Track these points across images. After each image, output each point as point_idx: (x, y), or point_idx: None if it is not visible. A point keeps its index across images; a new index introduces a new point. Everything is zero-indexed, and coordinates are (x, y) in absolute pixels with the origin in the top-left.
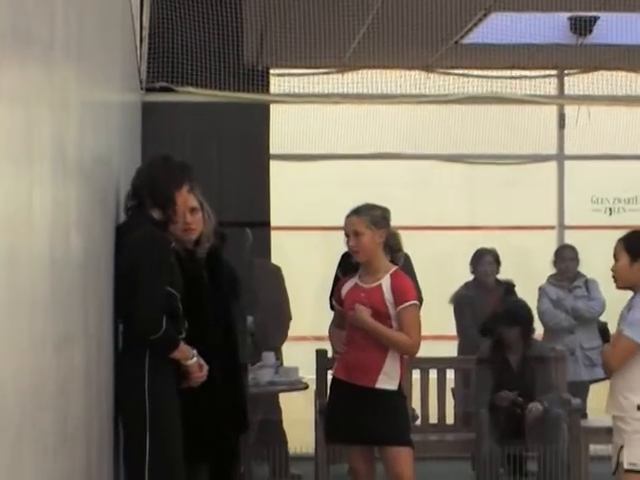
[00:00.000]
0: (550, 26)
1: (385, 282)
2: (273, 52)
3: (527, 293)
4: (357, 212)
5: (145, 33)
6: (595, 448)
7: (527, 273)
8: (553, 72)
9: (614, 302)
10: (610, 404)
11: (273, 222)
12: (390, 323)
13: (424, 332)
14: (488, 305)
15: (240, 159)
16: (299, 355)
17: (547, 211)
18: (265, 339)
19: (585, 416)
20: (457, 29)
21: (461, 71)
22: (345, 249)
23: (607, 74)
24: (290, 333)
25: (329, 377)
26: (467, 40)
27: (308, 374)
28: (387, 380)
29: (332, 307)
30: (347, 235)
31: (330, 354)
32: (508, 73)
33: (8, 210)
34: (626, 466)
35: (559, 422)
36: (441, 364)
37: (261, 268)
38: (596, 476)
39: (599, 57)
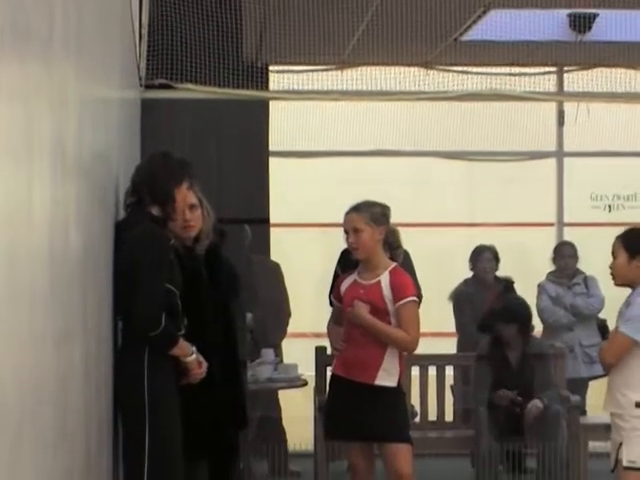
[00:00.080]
0: (549, 23)
1: (384, 279)
2: (272, 49)
3: (526, 290)
4: (357, 209)
5: (144, 30)
6: (594, 445)
7: (526, 270)
8: (552, 69)
9: (613, 299)
10: (608, 401)
11: (272, 219)
12: (389, 320)
13: (423, 329)
14: (487, 302)
15: (239, 156)
16: (298, 352)
17: (546, 208)
18: (264, 336)
19: (584, 413)
20: (456, 26)
21: (460, 68)
22: (345, 246)
23: (606, 71)
24: (289, 330)
25: (328, 374)
26: (466, 37)
27: (307, 371)
28: (386, 377)
29: (331, 304)
30: (346, 232)
31: (329, 351)
32: (507, 70)
33: (7, 207)
34: (625, 463)
35: (558, 419)
36: (440, 361)
37: (260, 265)
38: (595, 473)
39: (598, 54)
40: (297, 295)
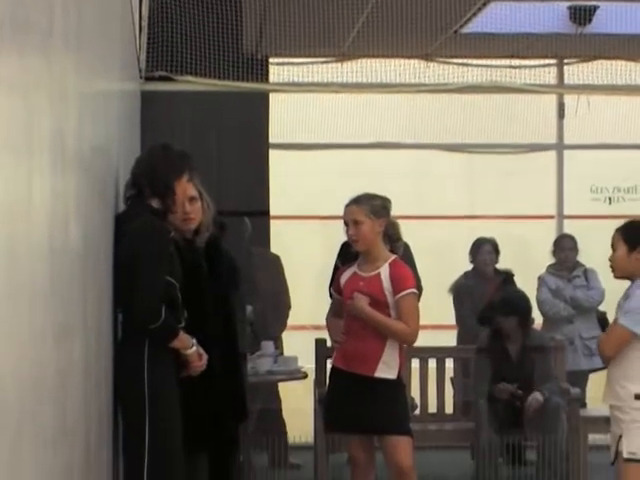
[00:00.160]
0: (550, 15)
1: (384, 271)
2: (272, 41)
3: (526, 283)
4: (357, 201)
5: (144, 22)
6: (594, 437)
7: (526, 262)
8: (552, 61)
9: (613, 292)
10: (607, 393)
11: (272, 211)
12: (388, 312)
13: (423, 321)
14: (487, 294)
15: (239, 148)
16: (298, 344)
17: (546, 200)
18: (264, 328)
19: (584, 405)
20: (456, 18)
21: (460, 60)
22: (345, 238)
23: (606, 63)
24: (289, 322)
25: (328, 366)
26: (466, 29)
27: (307, 363)
28: (386, 369)
29: (332, 296)
30: (346, 224)
31: (329, 343)
32: (507, 62)
33: (7, 201)
34: (625, 455)
35: (558, 411)
36: (440, 353)
37: (260, 257)
38: (595, 465)
39: (599, 46)
40: (297, 287)
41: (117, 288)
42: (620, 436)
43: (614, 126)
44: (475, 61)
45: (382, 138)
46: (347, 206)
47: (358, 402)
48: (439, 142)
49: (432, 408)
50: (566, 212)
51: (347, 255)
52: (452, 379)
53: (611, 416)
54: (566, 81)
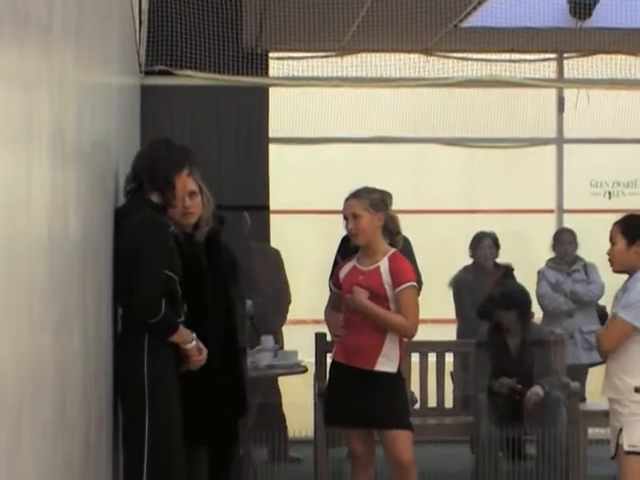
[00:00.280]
0: (549, 9)
1: (383, 264)
2: (272, 35)
3: (526, 277)
4: (356, 195)
5: (144, 16)
6: (594, 431)
7: (526, 257)
8: (552, 55)
9: (613, 286)
10: (606, 386)
11: (272, 205)
12: (388, 305)
13: (423, 316)
14: (487, 289)
15: (239, 142)
16: (298, 338)
17: (546, 195)
18: (264, 323)
19: (584, 399)
20: (456, 12)
21: (460, 54)
22: (345, 233)
23: (606, 57)
24: (289, 317)
25: (328, 360)
26: (466, 23)
27: (307, 357)
28: (386, 363)
29: (331, 291)
30: (346, 218)
31: (329, 337)
32: (507, 56)
33: (7, 195)
34: (626, 448)
35: (558, 405)
36: (440, 348)
37: (260, 252)
38: (594, 459)
39: (598, 40)
40: (297, 282)
41: (117, 282)
42: (620, 429)
43: (614, 120)
44: (475, 55)
45: (382, 132)
46: (346, 200)
47: (358, 396)
48: (439, 136)
49: (432, 402)
50: (566, 206)
51: (347, 250)
52: (452, 373)
53: (610, 409)
54: (566, 75)
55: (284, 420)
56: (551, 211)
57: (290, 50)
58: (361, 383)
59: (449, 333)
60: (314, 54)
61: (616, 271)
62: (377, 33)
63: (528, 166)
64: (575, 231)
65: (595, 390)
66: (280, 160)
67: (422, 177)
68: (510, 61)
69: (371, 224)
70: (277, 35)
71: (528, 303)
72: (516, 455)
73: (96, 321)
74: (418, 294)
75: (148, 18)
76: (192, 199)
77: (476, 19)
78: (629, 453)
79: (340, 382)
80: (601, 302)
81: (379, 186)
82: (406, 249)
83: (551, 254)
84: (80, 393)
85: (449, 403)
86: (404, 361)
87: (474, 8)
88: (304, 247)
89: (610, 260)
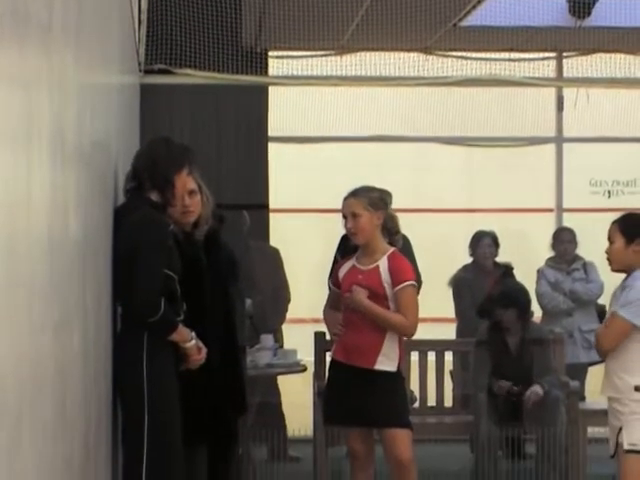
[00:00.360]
0: (549, 8)
1: (382, 263)
2: (272, 34)
3: (525, 276)
4: (355, 194)
5: (144, 15)
6: (593, 430)
7: (525, 255)
8: (552, 54)
9: (612, 285)
10: (606, 385)
11: (271, 204)
12: (387, 304)
13: (423, 315)
14: (487, 287)
15: (238, 141)
16: (297, 337)
17: (546, 194)
18: (264, 322)
19: (583, 398)
20: (456, 11)
21: (460, 53)
22: (344, 232)
23: (606, 56)
24: (288, 315)
25: (327, 359)
26: (466, 22)
27: (306, 356)
28: (386, 361)
29: (331, 290)
30: (345, 217)
31: (328, 336)
32: (507, 55)
33: (7, 195)
34: (626, 447)
35: (557, 404)
36: (439, 346)
37: (260, 250)
38: (594, 458)
39: (598, 39)
40: (296, 280)
41: (116, 281)
42: (620, 428)
43: (613, 119)
44: (474, 54)
45: (381, 131)
46: (345, 199)
47: (357, 395)
48: (438, 135)
49: (431, 401)
50: (565, 205)
51: (347, 249)
52: (451, 372)
53: (609, 408)
54: (565, 74)
55: (283, 419)
56: (550, 210)
57: (289, 49)
58: (361, 382)
59: (449, 332)
60: (313, 53)
61: (614, 270)
62: (376, 32)
63: (527, 165)
64: (574, 230)
65: (594, 389)
66: (279, 159)
67: (421, 176)
68: (509, 60)
69: (370, 223)
70: (276, 34)
71: (527, 302)
72: (516, 454)
73: (96, 321)
74: (417, 293)
75: (147, 17)
76: (192, 198)
77: (475, 18)
78: (629, 452)
79: (339, 381)
80: (600, 301)
81: (378, 185)
82: (405, 248)
83: (550, 253)
84: (80, 393)
85: (449, 402)
86: (404, 360)
87: (473, 7)
88: (303, 246)
89: (608, 259)
